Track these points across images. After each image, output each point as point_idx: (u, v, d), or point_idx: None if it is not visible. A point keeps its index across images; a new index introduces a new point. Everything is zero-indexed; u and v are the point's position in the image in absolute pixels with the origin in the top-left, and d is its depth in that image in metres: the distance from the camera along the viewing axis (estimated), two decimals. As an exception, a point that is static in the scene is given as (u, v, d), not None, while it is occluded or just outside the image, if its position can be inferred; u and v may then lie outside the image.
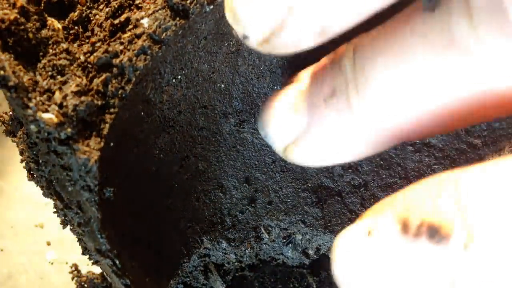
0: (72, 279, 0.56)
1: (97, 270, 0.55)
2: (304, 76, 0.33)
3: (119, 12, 0.35)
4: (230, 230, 0.45)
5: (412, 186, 0.24)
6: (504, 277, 0.20)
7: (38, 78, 0.32)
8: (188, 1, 0.33)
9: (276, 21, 0.24)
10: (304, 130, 0.31)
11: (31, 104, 0.31)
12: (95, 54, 0.34)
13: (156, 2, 0.34)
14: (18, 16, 0.32)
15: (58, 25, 0.35)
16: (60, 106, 0.32)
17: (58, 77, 0.33)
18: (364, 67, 0.27)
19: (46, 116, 0.31)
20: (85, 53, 0.34)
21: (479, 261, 0.20)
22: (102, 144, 0.33)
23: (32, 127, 0.31)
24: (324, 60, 0.32)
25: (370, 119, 0.28)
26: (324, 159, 0.32)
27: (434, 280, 0.21)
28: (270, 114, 0.34)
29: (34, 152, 0.38)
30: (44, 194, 0.41)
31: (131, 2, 0.35)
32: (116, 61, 0.33)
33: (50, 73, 0.33)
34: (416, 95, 0.26)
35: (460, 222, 0.20)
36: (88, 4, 0.36)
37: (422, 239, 0.22)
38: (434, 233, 0.21)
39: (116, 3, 0.35)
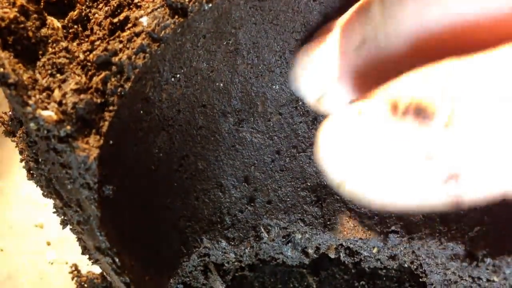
0: (72, 279, 0.56)
1: (97, 270, 0.55)
2: (335, 25, 0.32)
3: (118, 10, 0.35)
4: (230, 229, 0.45)
5: (401, 76, 0.25)
6: (469, 156, 0.22)
7: (38, 76, 0.32)
8: (187, -1, 0.34)
9: None
10: (334, 81, 0.31)
11: (30, 102, 0.31)
12: (94, 52, 0.34)
13: (155, 0, 0.34)
14: (18, 15, 0.32)
15: (57, 23, 0.35)
16: (60, 104, 0.32)
17: (58, 75, 0.33)
18: (393, 12, 0.26)
19: (45, 113, 0.31)
20: (84, 52, 0.34)
21: (454, 140, 0.23)
22: (101, 141, 0.33)
23: (32, 124, 0.31)
24: (354, 8, 0.31)
25: (400, 65, 0.27)
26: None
27: (412, 154, 0.24)
28: (301, 68, 0.34)
29: (34, 151, 0.39)
30: (44, 194, 0.41)
31: (130, 1, 0.35)
32: (115, 59, 0.33)
33: (49, 71, 0.33)
34: (449, 37, 0.25)
35: (444, 105, 0.23)
36: (87, 3, 0.36)
37: (407, 117, 0.24)
38: (419, 111, 0.23)
39: (115, 2, 0.35)
